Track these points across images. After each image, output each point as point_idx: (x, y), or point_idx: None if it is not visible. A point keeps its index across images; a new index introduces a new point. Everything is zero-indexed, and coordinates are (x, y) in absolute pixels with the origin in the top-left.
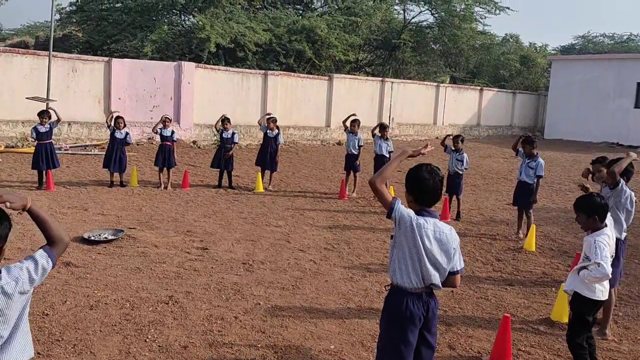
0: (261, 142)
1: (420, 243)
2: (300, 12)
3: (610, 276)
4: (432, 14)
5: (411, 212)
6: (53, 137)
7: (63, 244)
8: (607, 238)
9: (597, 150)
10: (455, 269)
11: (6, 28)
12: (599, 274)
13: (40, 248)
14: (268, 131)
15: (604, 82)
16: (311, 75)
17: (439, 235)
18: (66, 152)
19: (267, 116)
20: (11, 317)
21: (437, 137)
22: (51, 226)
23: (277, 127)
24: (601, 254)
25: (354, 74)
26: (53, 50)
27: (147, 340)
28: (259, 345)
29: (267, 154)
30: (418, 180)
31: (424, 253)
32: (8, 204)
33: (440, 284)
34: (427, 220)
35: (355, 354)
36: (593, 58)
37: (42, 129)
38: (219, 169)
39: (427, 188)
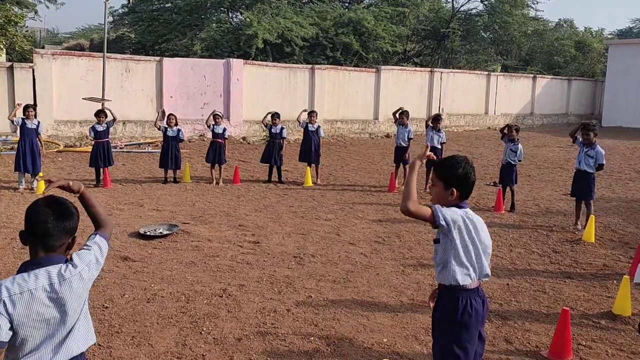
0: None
1: (475, 235)
2: (347, 4)
3: None
4: (481, 1)
5: (456, 210)
6: (109, 135)
7: (110, 225)
8: None
9: None
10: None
11: (62, 32)
12: None
13: (96, 234)
14: (309, 125)
15: None
16: (358, 68)
17: (476, 221)
18: (121, 150)
19: (305, 111)
20: (85, 302)
21: (488, 127)
22: (100, 210)
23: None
24: None
25: (402, 65)
26: (107, 52)
27: (203, 332)
28: (312, 338)
29: (312, 148)
30: (465, 175)
31: (478, 244)
32: (70, 183)
33: (490, 272)
34: (468, 211)
35: (408, 347)
36: None
37: (100, 128)
38: (268, 164)
39: (470, 182)
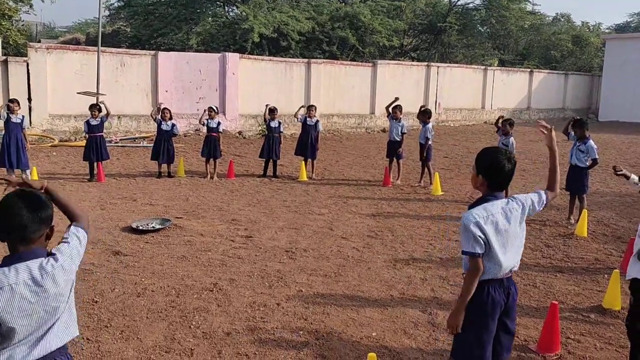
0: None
1: (493, 238)
2: None
3: None
4: None
5: (479, 213)
6: (104, 130)
7: (85, 216)
8: None
9: None
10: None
11: (59, 26)
12: None
13: (71, 226)
14: (308, 119)
15: None
16: (355, 63)
17: (509, 213)
18: (116, 144)
19: (303, 107)
20: (70, 295)
21: (485, 122)
22: (70, 203)
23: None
24: None
25: (399, 60)
26: (102, 46)
27: (192, 326)
28: (301, 332)
29: (309, 143)
30: (498, 168)
31: (496, 245)
32: (29, 181)
33: (517, 266)
34: (494, 205)
35: (397, 341)
36: None
37: (94, 122)
38: (267, 159)
39: (503, 175)
